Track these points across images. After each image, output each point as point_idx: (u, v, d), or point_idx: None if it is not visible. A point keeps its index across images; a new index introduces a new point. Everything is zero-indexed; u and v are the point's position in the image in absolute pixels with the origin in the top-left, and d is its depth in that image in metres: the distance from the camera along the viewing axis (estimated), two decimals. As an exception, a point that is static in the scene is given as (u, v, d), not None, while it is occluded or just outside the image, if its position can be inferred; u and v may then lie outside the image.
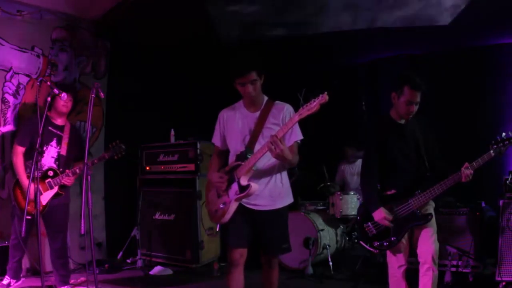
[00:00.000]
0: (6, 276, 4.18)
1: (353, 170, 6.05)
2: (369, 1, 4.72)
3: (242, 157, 2.85)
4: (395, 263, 3.22)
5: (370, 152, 3.27)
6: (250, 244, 2.97)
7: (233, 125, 3.00)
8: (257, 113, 2.95)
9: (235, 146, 2.96)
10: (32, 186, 3.38)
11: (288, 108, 2.95)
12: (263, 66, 2.87)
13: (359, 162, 5.89)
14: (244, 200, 2.88)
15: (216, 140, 3.12)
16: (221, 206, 2.92)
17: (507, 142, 2.95)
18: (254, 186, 2.80)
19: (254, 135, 2.88)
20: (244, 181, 2.82)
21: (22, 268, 4.34)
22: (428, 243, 3.04)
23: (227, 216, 2.89)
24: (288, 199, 3.08)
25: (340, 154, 6.25)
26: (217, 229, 3.06)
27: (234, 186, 2.86)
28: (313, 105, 2.55)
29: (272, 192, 2.94)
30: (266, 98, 3.02)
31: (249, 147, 2.86)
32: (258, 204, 2.91)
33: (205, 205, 3.13)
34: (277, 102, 2.99)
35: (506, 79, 5.65)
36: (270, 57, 6.37)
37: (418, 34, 5.49)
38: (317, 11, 4.96)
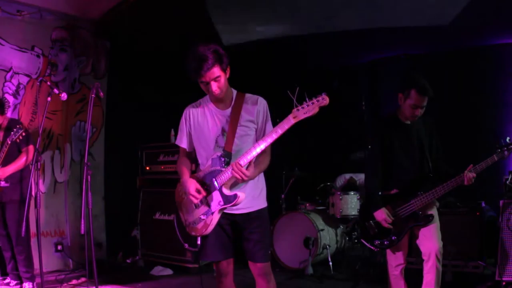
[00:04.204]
0: (8, 277, 4.22)
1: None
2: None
3: (220, 162, 2.56)
4: (394, 262, 3.23)
5: (374, 151, 3.27)
6: (235, 251, 2.72)
7: (202, 124, 2.68)
8: (228, 110, 2.63)
9: (207, 148, 2.66)
10: None
11: (261, 102, 2.67)
12: (226, 58, 2.53)
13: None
14: None
15: (182, 141, 2.77)
16: (202, 217, 2.60)
17: (511, 146, 2.95)
18: (241, 195, 2.52)
19: (229, 135, 2.58)
20: (227, 191, 2.56)
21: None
22: (432, 240, 3.05)
23: (210, 228, 2.59)
24: (265, 200, 2.78)
25: (341, 154, 6.23)
26: (198, 242, 2.66)
27: (216, 196, 2.56)
28: (311, 108, 2.34)
29: (252, 193, 2.66)
30: (235, 91, 2.70)
31: (226, 149, 2.57)
32: (239, 208, 2.60)
33: (179, 213, 2.79)
34: (248, 95, 2.69)
35: (506, 79, 5.65)
36: (270, 57, 6.42)
37: (418, 34, 5.48)
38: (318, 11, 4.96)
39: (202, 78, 2.49)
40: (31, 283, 4.10)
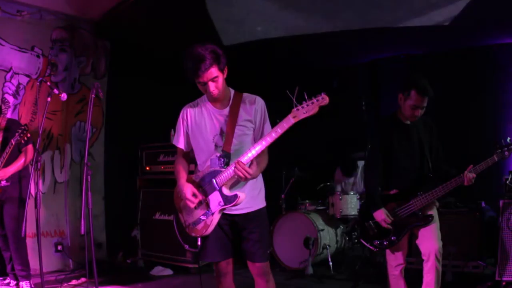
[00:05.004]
0: (8, 278, 4.22)
1: (350, 181, 5.92)
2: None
3: (219, 162, 2.55)
4: (393, 262, 3.23)
5: (374, 151, 3.27)
6: (234, 252, 2.71)
7: (200, 124, 2.65)
8: (226, 110, 2.61)
9: (205, 148, 2.64)
10: None
11: (259, 101, 2.66)
12: (223, 58, 2.50)
13: (355, 174, 5.80)
14: None
15: (179, 141, 2.74)
16: (202, 218, 2.60)
17: (511, 147, 2.95)
18: (242, 196, 2.52)
19: (228, 135, 2.56)
20: (227, 191, 2.55)
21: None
22: (431, 240, 3.05)
23: (210, 229, 2.59)
24: (264, 200, 2.78)
25: (341, 154, 6.24)
26: (198, 243, 2.65)
27: (216, 196, 2.55)
28: (311, 107, 2.34)
29: (251, 193, 2.64)
30: (233, 91, 2.68)
31: (225, 149, 2.55)
32: (238, 208, 2.59)
33: (178, 214, 2.77)
34: (245, 94, 2.67)
35: (506, 79, 5.65)
36: (270, 57, 6.42)
37: (418, 34, 5.48)
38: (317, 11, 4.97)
39: (200, 79, 2.47)
40: (28, 281, 4.10)
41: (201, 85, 2.54)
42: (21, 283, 4.11)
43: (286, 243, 5.10)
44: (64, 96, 3.72)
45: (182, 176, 2.71)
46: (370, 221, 3.21)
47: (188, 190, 2.60)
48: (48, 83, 3.66)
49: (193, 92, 2.81)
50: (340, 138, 6.37)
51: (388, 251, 3.24)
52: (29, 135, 3.83)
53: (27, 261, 4.15)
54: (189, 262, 5.03)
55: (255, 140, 2.63)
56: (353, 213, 5.13)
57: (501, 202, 4.05)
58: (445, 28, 5.08)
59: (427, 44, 5.93)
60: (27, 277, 4.12)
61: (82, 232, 3.11)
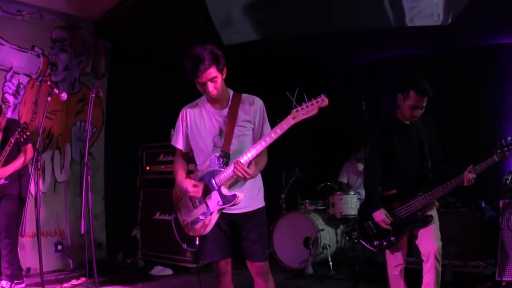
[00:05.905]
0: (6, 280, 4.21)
1: (357, 169, 6.03)
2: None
3: (219, 162, 2.56)
4: (393, 262, 3.23)
5: (373, 152, 3.27)
6: (233, 251, 2.71)
7: (199, 124, 2.67)
8: (225, 111, 2.63)
9: (205, 149, 2.65)
10: None
11: (258, 102, 2.67)
12: (222, 58, 2.51)
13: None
14: None
15: (179, 142, 2.76)
16: (201, 217, 2.60)
17: None
18: (241, 195, 2.53)
19: (227, 136, 2.57)
20: (226, 191, 2.56)
21: (22, 269, 4.34)
22: (431, 240, 3.05)
23: (209, 228, 2.59)
24: (263, 200, 2.78)
25: (342, 154, 6.24)
26: (197, 242, 2.65)
27: (215, 196, 2.56)
28: (311, 109, 2.36)
29: (250, 192, 2.65)
30: (232, 92, 2.69)
31: (224, 150, 2.57)
32: (237, 207, 2.59)
33: (177, 213, 2.77)
34: (244, 95, 2.68)
35: (506, 79, 5.65)
36: (270, 58, 6.42)
37: (418, 34, 5.48)
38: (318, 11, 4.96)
39: (199, 79, 2.48)
40: (9, 283, 4.03)
41: (200, 86, 2.54)
42: (2, 282, 4.05)
43: (286, 243, 5.10)
44: (64, 95, 3.72)
45: (180, 174, 2.72)
46: (370, 222, 3.21)
47: (188, 183, 2.60)
48: (48, 83, 3.66)
49: (193, 92, 2.81)
50: (340, 138, 6.37)
51: (387, 251, 3.24)
52: (28, 133, 3.83)
53: (15, 260, 4.09)
54: (189, 262, 5.02)
55: (254, 140, 2.64)
56: (353, 213, 5.13)
57: (501, 202, 4.05)
58: (445, 28, 5.08)
59: (427, 44, 5.93)
60: (11, 277, 4.04)
61: (82, 231, 3.11)
